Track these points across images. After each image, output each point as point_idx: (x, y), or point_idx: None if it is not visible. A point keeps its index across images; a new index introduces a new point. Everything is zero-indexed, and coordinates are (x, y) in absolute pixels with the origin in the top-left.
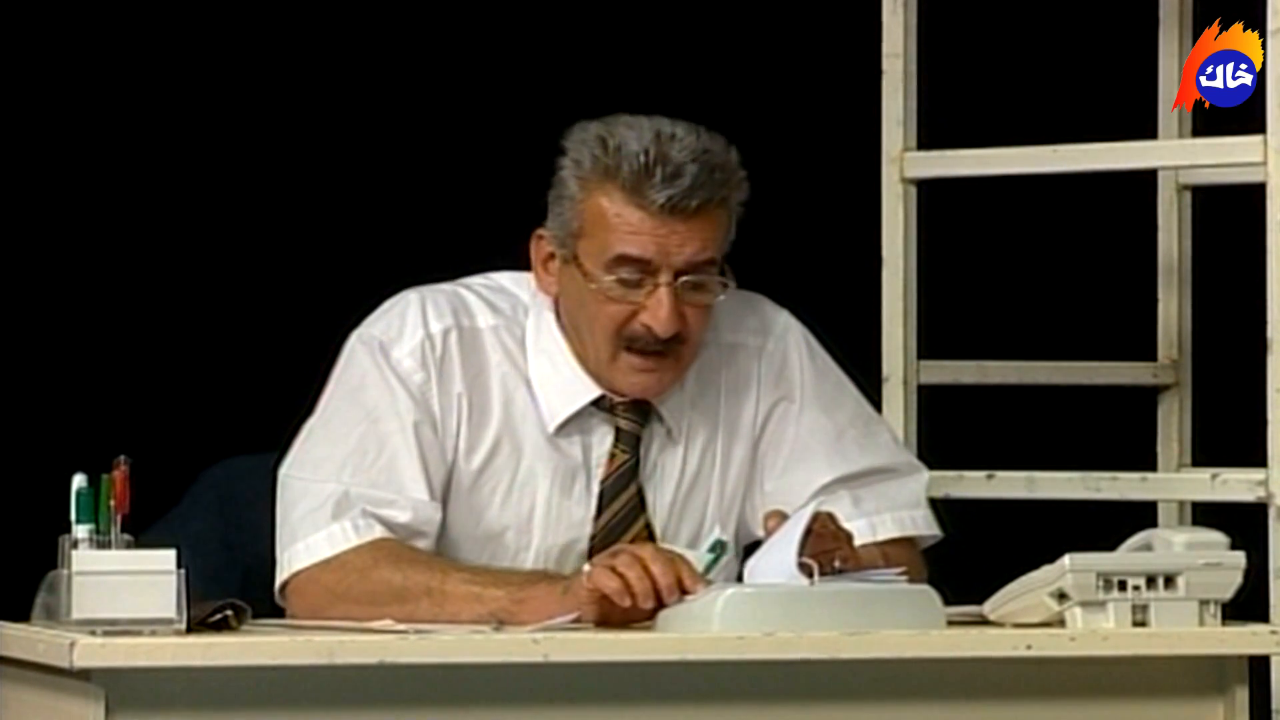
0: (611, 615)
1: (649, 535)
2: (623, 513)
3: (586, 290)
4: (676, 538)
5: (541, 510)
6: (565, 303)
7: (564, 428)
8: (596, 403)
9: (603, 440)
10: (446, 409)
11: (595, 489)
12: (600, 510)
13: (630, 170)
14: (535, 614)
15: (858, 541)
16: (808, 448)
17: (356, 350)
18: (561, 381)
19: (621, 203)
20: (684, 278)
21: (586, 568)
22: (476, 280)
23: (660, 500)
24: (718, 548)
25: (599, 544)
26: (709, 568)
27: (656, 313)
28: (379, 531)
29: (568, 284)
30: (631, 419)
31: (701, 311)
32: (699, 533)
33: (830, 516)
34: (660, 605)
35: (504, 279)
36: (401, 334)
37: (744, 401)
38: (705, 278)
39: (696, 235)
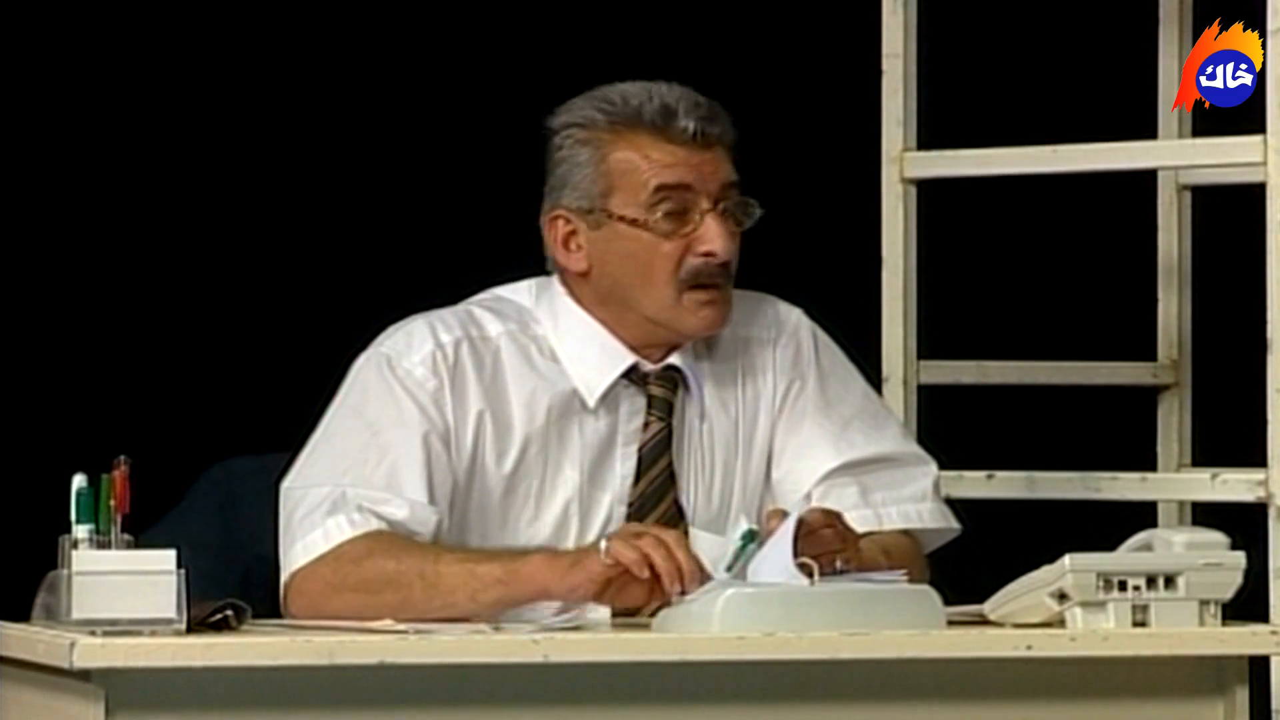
0: (613, 597)
1: (677, 512)
2: (657, 482)
3: (635, 241)
4: (697, 518)
5: (576, 504)
6: (605, 269)
7: (598, 405)
8: (628, 375)
9: (633, 417)
10: (462, 420)
11: (633, 457)
12: (639, 477)
13: (652, 112)
14: (530, 583)
15: (862, 529)
16: (815, 436)
17: (362, 367)
18: (592, 356)
19: (650, 144)
20: (722, 203)
21: (604, 544)
22: (474, 299)
23: (688, 477)
24: (748, 537)
25: (634, 515)
26: (737, 557)
27: (712, 239)
28: (375, 525)
29: (606, 248)
30: (664, 386)
31: (739, 242)
32: (724, 519)
33: (837, 516)
34: (679, 591)
35: (499, 291)
36: (410, 347)
37: (761, 391)
38: (742, 199)
39: (722, 161)
